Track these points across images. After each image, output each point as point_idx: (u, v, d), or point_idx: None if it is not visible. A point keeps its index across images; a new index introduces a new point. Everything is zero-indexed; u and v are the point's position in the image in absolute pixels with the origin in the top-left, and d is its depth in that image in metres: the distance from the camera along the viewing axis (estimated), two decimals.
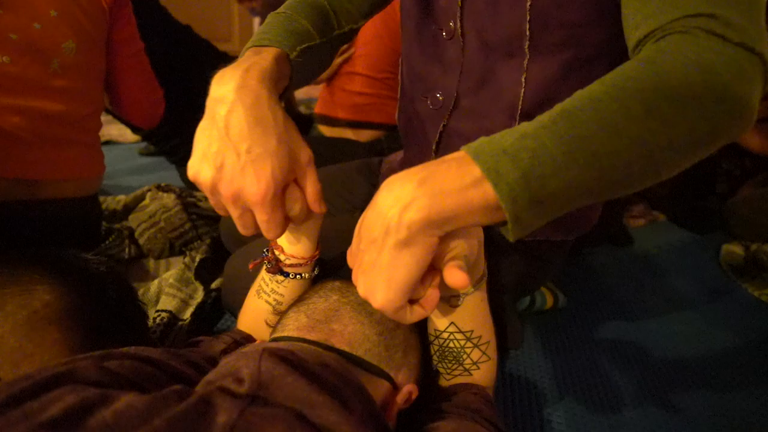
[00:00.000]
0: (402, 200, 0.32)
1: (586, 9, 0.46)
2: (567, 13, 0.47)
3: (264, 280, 0.53)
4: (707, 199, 1.47)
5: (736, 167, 1.45)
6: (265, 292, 0.53)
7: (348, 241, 0.62)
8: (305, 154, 0.41)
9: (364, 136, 1.34)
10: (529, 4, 0.47)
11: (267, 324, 0.53)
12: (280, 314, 0.52)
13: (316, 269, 0.54)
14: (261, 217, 0.39)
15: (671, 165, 0.33)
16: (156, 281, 0.84)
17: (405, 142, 0.73)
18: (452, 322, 0.48)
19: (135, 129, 1.27)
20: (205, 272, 0.86)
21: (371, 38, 1.27)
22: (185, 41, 1.28)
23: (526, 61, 0.50)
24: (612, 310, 0.96)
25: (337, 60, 1.30)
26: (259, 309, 0.53)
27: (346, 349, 0.43)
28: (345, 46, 1.12)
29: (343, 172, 0.82)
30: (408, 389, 0.45)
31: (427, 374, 0.53)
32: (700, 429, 0.66)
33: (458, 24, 0.53)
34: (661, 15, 0.35)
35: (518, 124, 0.39)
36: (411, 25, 0.61)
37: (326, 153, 1.16)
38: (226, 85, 0.39)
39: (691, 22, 0.33)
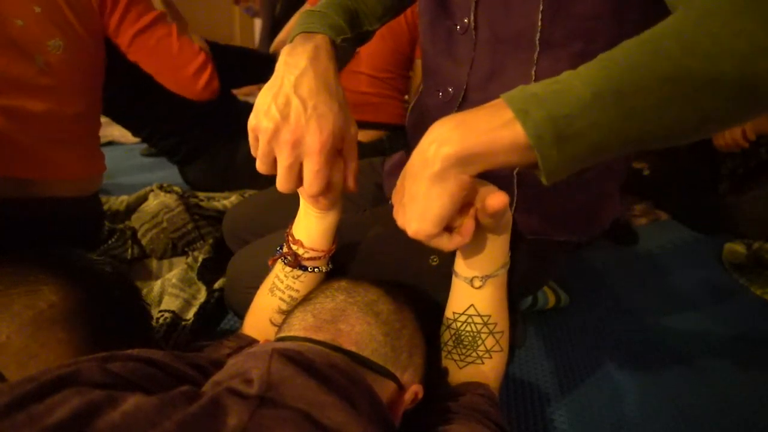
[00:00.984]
0: (439, 138, 0.35)
1: (599, 2, 0.46)
2: (580, 5, 0.47)
3: (278, 277, 0.53)
4: (711, 197, 1.47)
5: (740, 166, 1.44)
6: (279, 290, 0.53)
7: (351, 240, 0.62)
8: (354, 129, 0.46)
9: (367, 136, 1.34)
10: None
11: (272, 323, 0.53)
12: (285, 313, 0.51)
13: (330, 264, 0.55)
14: (313, 167, 0.42)
15: (706, 110, 0.31)
16: (159, 281, 0.84)
17: (411, 137, 0.73)
18: (472, 304, 0.50)
19: (135, 131, 1.27)
20: (207, 272, 0.86)
21: (374, 38, 1.27)
22: None
23: (536, 55, 0.50)
24: (614, 308, 0.96)
25: None
26: (270, 307, 0.54)
27: (354, 349, 0.42)
28: None
29: None
30: (414, 389, 0.45)
31: (432, 374, 0.53)
32: (702, 427, 0.66)
33: (472, 18, 0.54)
34: None
35: None
36: (426, 21, 0.62)
37: None
38: (298, 55, 0.45)
39: None
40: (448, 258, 0.55)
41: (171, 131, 1.23)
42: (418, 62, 1.44)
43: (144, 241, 0.95)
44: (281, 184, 0.44)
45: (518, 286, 0.70)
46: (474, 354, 0.51)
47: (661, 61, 0.30)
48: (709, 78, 0.30)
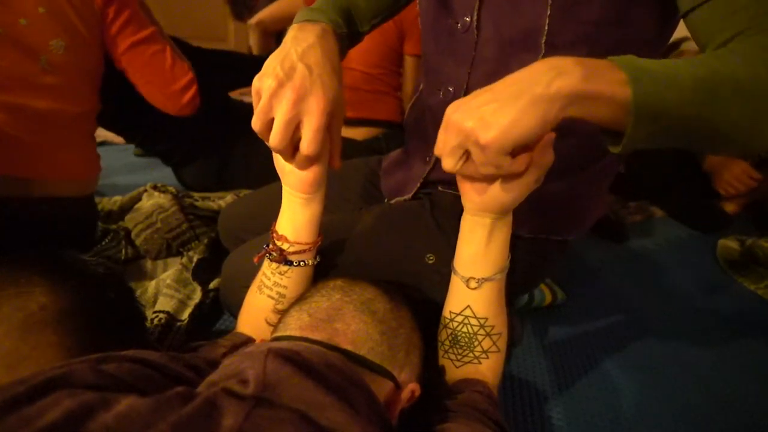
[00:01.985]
0: (559, 68, 0.36)
1: (605, 8, 0.47)
2: (586, 10, 0.48)
3: (265, 274, 0.53)
4: (708, 196, 1.48)
5: None
6: (266, 287, 0.53)
7: (347, 238, 0.61)
8: (343, 112, 0.49)
9: (360, 133, 1.34)
10: None
11: (267, 323, 0.53)
12: (281, 313, 0.51)
13: (318, 257, 0.55)
14: (313, 125, 0.43)
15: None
16: (153, 282, 0.83)
17: (409, 136, 0.73)
18: (468, 305, 0.50)
19: (127, 137, 1.26)
20: (203, 272, 0.85)
21: None
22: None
23: (540, 57, 0.51)
24: (610, 305, 0.96)
25: None
26: (260, 305, 0.53)
27: (350, 348, 0.42)
28: None
29: (341, 170, 0.82)
30: (411, 388, 0.45)
31: (430, 372, 0.52)
32: (698, 423, 0.67)
33: (475, 17, 0.54)
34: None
35: None
36: (428, 19, 0.63)
37: None
38: (308, 32, 0.48)
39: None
40: (445, 256, 0.55)
41: (163, 137, 1.22)
42: (408, 59, 1.44)
43: (138, 242, 0.94)
44: (275, 138, 0.44)
45: (515, 284, 0.70)
46: (471, 354, 0.51)
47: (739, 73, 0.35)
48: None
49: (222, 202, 1.08)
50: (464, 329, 0.51)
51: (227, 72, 1.27)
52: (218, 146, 1.26)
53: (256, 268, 0.56)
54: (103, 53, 0.83)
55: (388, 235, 0.62)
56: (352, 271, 0.59)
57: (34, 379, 0.28)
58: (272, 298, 0.53)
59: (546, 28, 0.49)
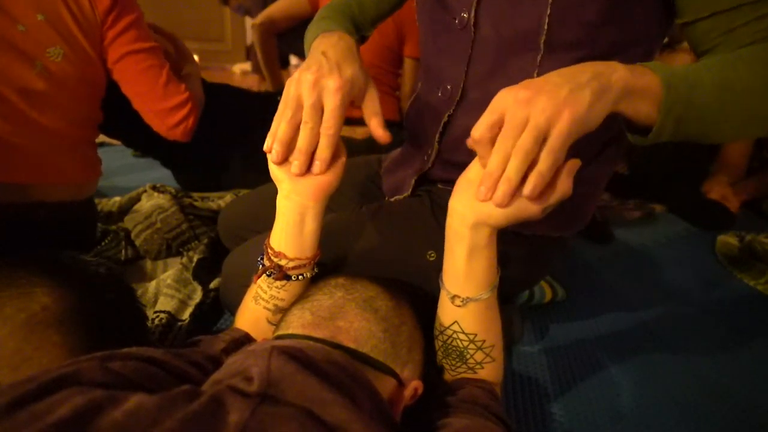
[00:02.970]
0: (613, 67, 0.39)
1: (605, 10, 0.47)
2: (586, 11, 0.48)
3: (261, 287, 0.52)
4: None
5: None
6: (263, 299, 0.52)
7: (348, 237, 0.61)
8: (374, 90, 0.53)
9: (359, 133, 1.34)
10: None
11: (268, 322, 0.53)
12: (282, 311, 0.51)
13: (315, 268, 0.54)
14: (334, 103, 0.46)
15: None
16: (154, 282, 0.83)
17: (408, 135, 0.73)
18: (456, 321, 0.48)
19: (126, 142, 1.26)
20: (203, 272, 0.85)
21: None
22: None
23: (539, 57, 0.51)
24: (610, 302, 0.96)
25: None
26: (257, 314, 0.53)
27: (353, 346, 0.42)
28: None
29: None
30: (414, 385, 0.45)
31: (431, 370, 0.52)
32: (698, 419, 0.67)
33: (472, 14, 0.54)
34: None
35: None
36: (426, 17, 0.63)
37: None
38: (328, 38, 0.54)
39: None
40: None
41: (161, 141, 1.22)
42: (408, 61, 1.44)
43: (138, 242, 0.94)
44: (307, 117, 0.47)
45: (514, 282, 0.71)
46: (464, 366, 0.50)
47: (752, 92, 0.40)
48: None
49: (222, 202, 1.08)
50: (454, 344, 0.49)
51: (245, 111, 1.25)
52: (218, 150, 1.25)
53: (256, 268, 0.56)
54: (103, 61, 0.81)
55: (388, 232, 0.62)
56: (354, 269, 0.59)
57: (44, 376, 0.29)
58: (269, 309, 0.52)
59: (546, 27, 0.49)
